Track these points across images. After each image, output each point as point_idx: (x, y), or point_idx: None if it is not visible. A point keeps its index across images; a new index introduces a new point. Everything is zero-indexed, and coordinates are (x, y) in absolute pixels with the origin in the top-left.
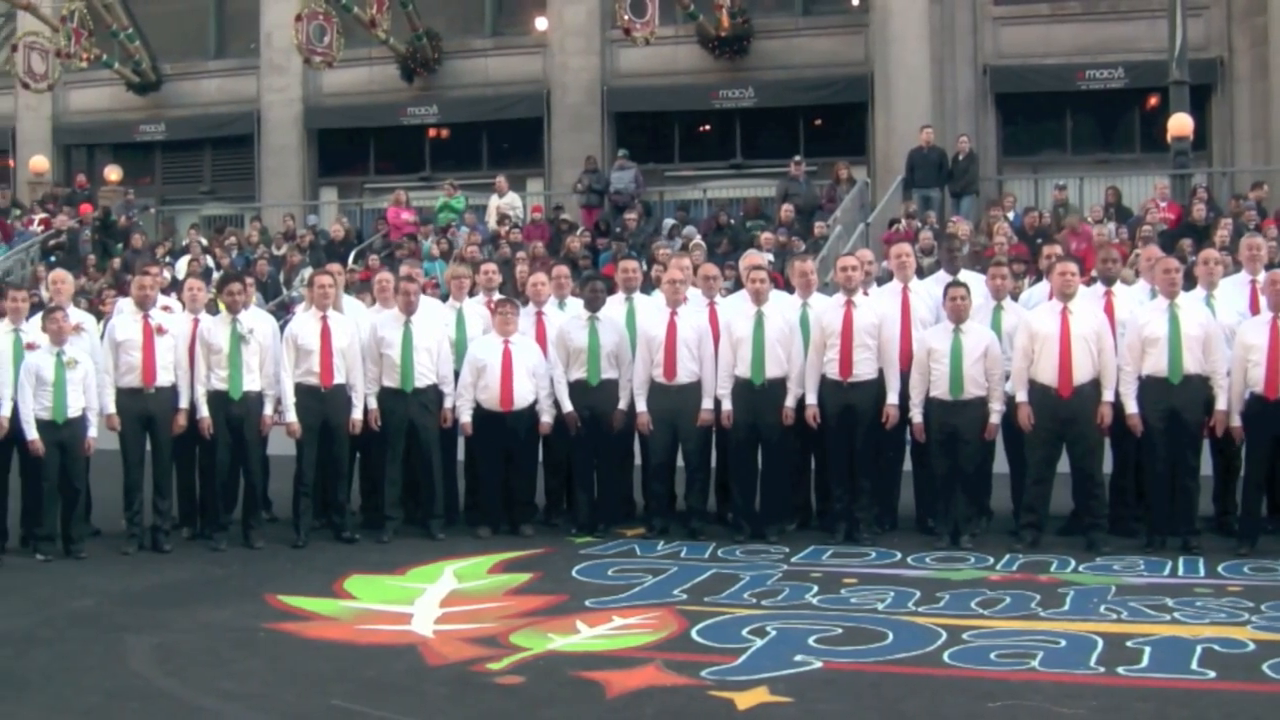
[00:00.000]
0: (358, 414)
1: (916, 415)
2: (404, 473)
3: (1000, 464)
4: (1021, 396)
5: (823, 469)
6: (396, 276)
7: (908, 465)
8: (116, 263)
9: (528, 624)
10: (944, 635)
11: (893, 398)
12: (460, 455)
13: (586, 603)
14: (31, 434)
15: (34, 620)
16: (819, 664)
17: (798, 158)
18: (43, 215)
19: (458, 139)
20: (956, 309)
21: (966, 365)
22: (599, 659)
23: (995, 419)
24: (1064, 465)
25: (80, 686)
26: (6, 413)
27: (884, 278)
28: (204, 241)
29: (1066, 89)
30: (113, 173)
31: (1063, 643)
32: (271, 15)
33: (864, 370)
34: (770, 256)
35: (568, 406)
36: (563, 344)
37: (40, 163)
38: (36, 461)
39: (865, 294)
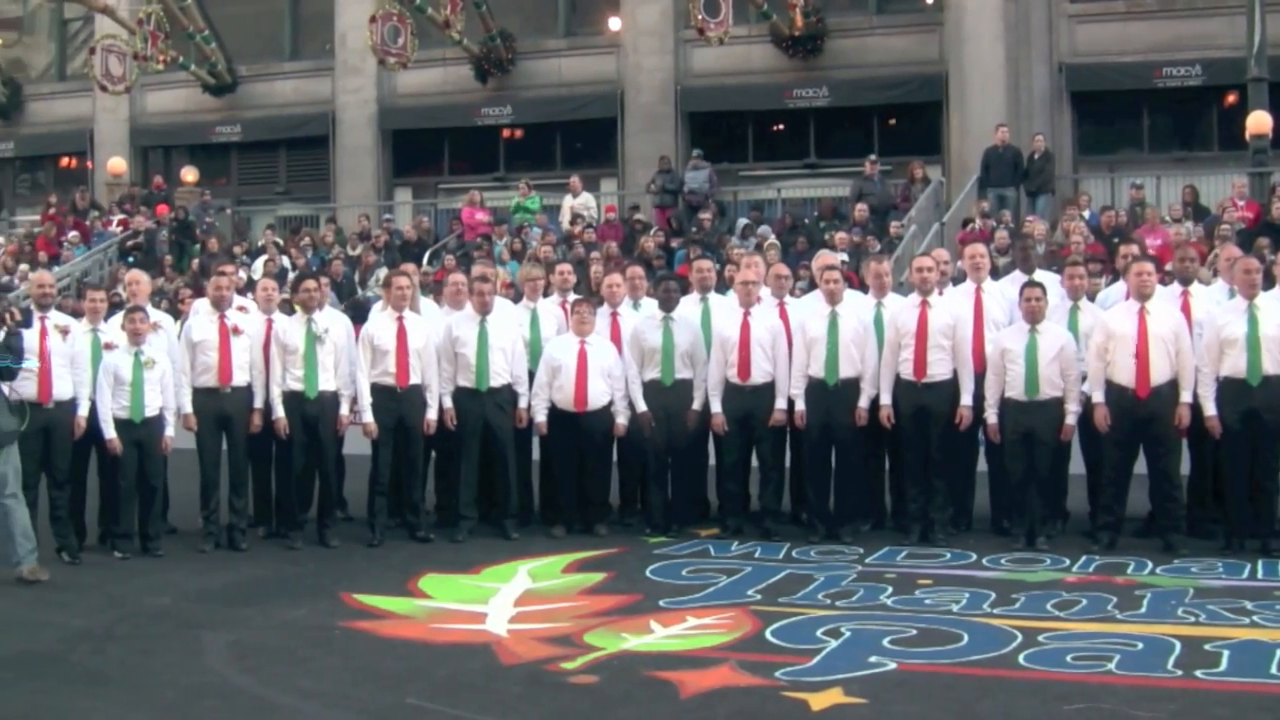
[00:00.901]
0: (433, 414)
1: (991, 416)
2: (479, 472)
3: (1076, 465)
4: (1098, 397)
5: (897, 469)
6: (471, 277)
7: (982, 466)
8: (195, 264)
9: (602, 624)
10: (1019, 637)
11: (966, 399)
12: (535, 455)
13: (660, 603)
14: (109, 433)
15: (112, 617)
16: (893, 665)
17: (872, 157)
18: (120, 216)
19: (532, 139)
20: (1032, 309)
21: (1042, 366)
22: (673, 659)
23: (1071, 420)
24: (1141, 466)
25: (157, 683)
26: (85, 412)
27: (959, 278)
28: (279, 242)
29: (1143, 87)
30: (189, 174)
31: (1140, 645)
32: (346, 17)
33: (939, 371)
34: (844, 256)
35: (642, 406)
36: (637, 344)
37: (118, 164)
38: (114, 460)
39: (940, 294)
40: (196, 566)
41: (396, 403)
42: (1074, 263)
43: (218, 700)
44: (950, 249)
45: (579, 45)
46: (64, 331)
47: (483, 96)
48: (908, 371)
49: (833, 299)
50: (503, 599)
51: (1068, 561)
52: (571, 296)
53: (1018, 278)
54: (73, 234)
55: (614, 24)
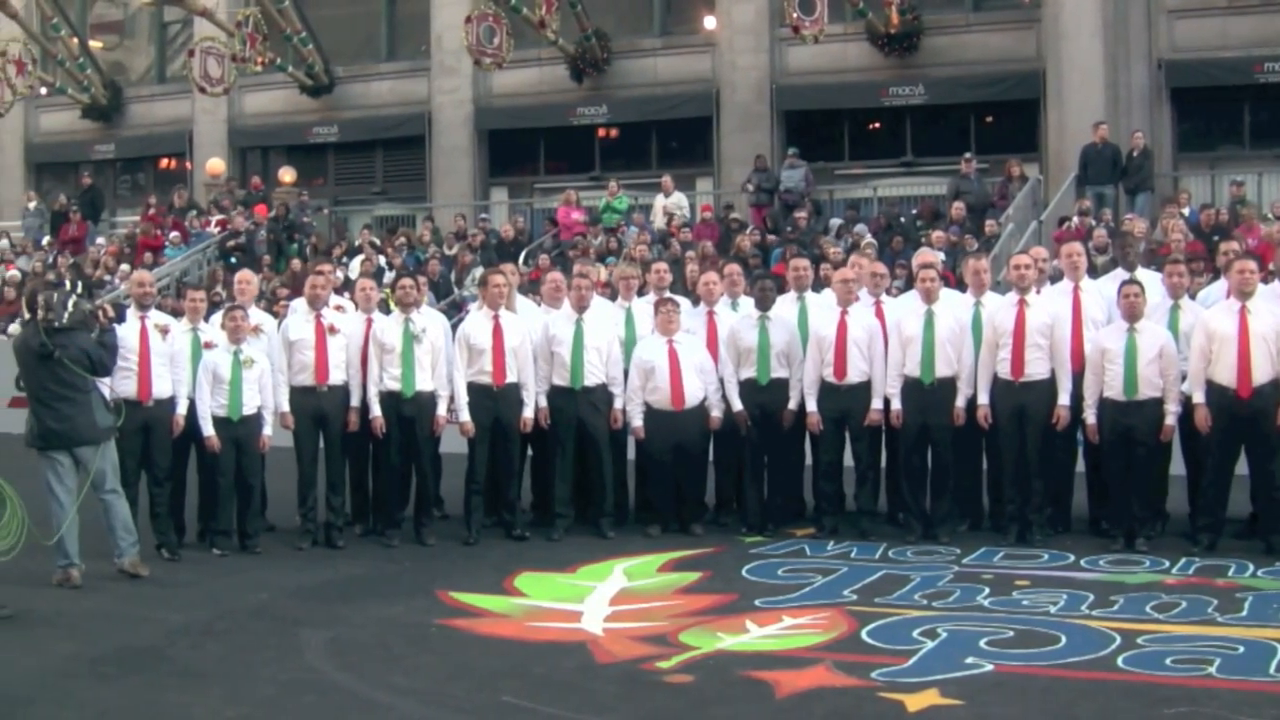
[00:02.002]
0: (529, 412)
1: (1090, 416)
2: (574, 471)
3: (1176, 465)
4: (1199, 397)
5: (994, 469)
6: (567, 275)
7: (1081, 466)
8: (296, 264)
9: (697, 623)
10: (1118, 639)
11: (1064, 398)
12: (631, 454)
13: (756, 602)
14: (208, 431)
15: (211, 613)
16: (990, 667)
17: (969, 155)
18: (219, 216)
19: (627, 138)
20: (1131, 307)
21: (1141, 365)
22: (768, 659)
23: (1171, 420)
24: (1242, 467)
25: (256, 678)
26: (184, 410)
27: (1056, 276)
28: (376, 242)
29: (1243, 82)
30: (287, 174)
31: (1241, 649)
32: (442, 17)
33: (1036, 370)
34: (942, 255)
35: (738, 405)
36: (733, 343)
37: (216, 165)
38: (213, 458)
39: (1038, 293)
40: (294, 564)
41: (493, 401)
42: (1174, 261)
43: (315, 696)
44: (1048, 247)
45: (674, 44)
46: (164, 331)
47: (578, 96)
48: (1005, 371)
49: (929, 297)
50: (598, 597)
51: (1167, 563)
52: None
53: (1117, 276)
54: (173, 234)
55: (709, 23)
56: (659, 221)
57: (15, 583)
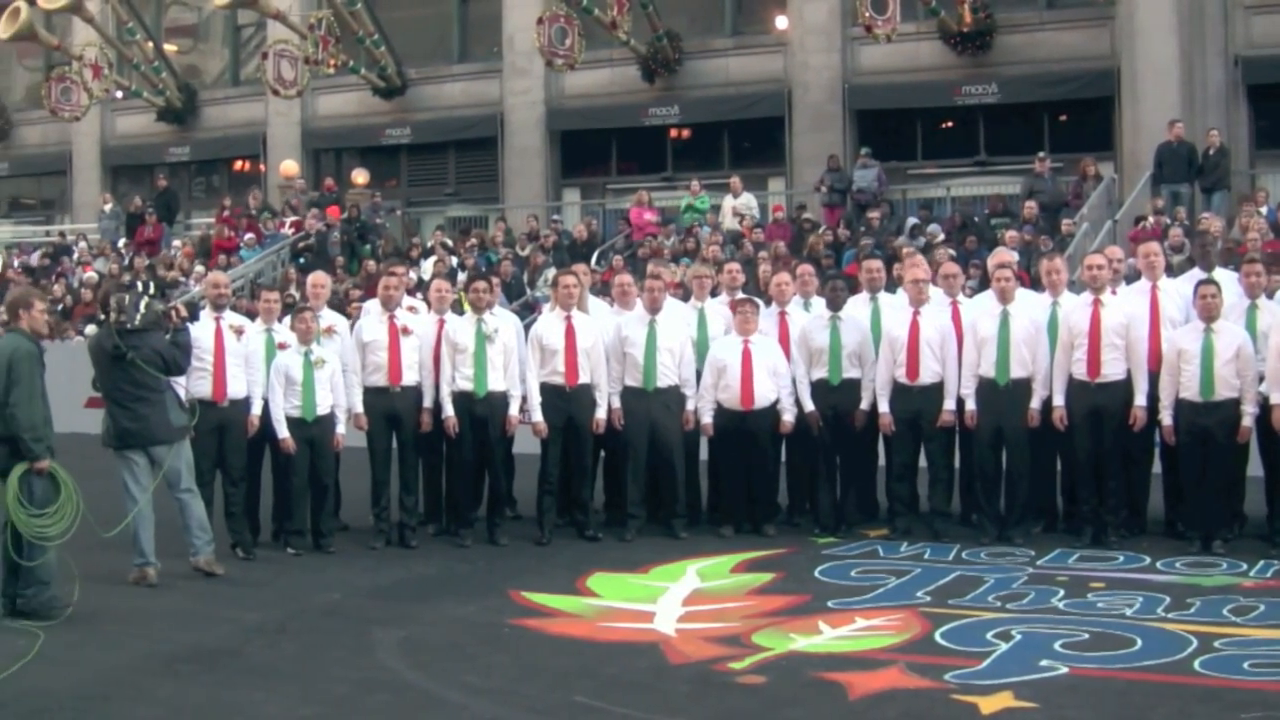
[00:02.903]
0: (601, 413)
1: (1166, 417)
2: (647, 472)
3: (1254, 467)
4: (1276, 398)
5: (1069, 470)
6: (639, 276)
7: (1157, 468)
8: (369, 265)
9: (770, 624)
10: (1195, 643)
11: (1140, 399)
12: (703, 455)
13: (829, 603)
14: (282, 432)
15: (285, 612)
16: (1065, 670)
17: (1043, 154)
18: (293, 218)
19: (699, 139)
20: (1208, 307)
21: (1218, 366)
22: (841, 660)
23: (1248, 421)
24: None
25: (329, 677)
26: (258, 410)
27: (1132, 276)
28: (449, 243)
29: None
30: (360, 176)
31: None
32: (514, 19)
33: (1112, 371)
34: (1015, 255)
35: (810, 406)
36: (805, 343)
37: (290, 167)
38: (287, 458)
39: (1113, 293)
40: (368, 563)
41: (565, 402)
42: (1251, 260)
43: (388, 695)
44: (1122, 247)
45: (746, 44)
46: (238, 331)
47: (650, 96)
48: (1081, 371)
49: (1004, 298)
50: (671, 598)
51: (1245, 566)
52: (739, 296)
53: (1193, 276)
54: (247, 236)
55: (781, 23)
56: (728, 222)
57: (93, 581)
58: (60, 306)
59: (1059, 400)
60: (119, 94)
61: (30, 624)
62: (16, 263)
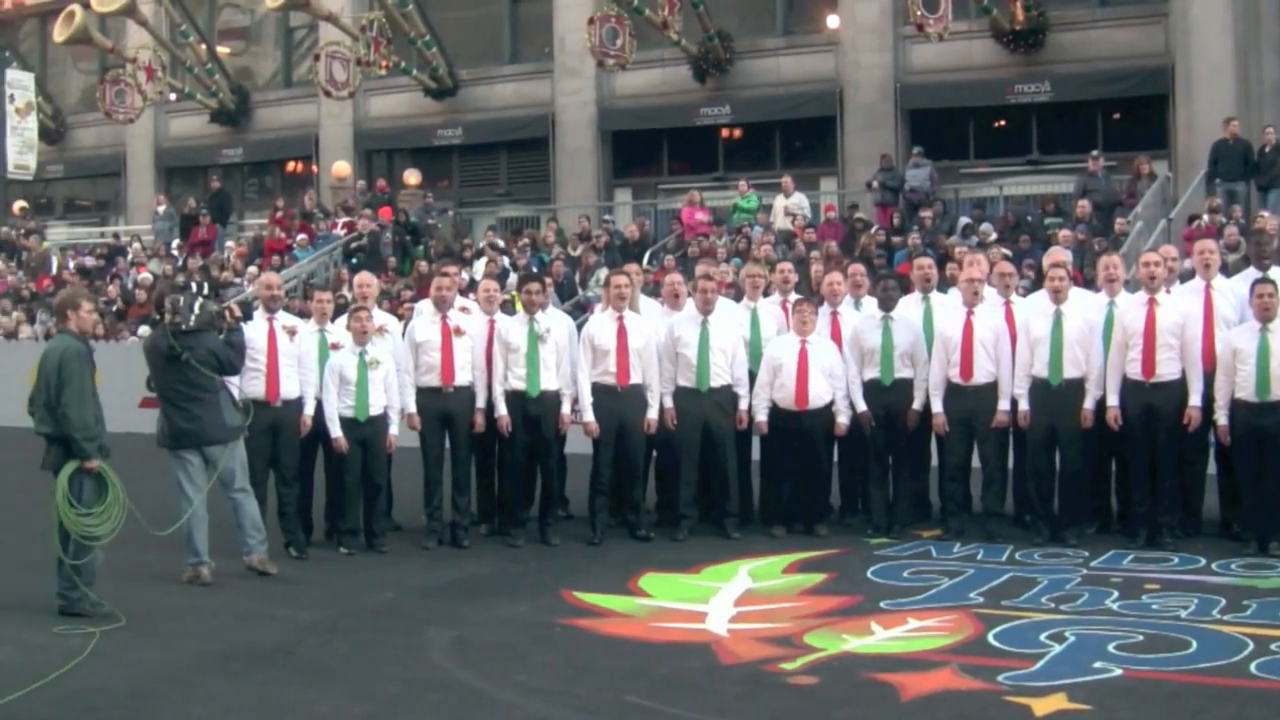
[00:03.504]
0: (653, 413)
1: (1222, 417)
2: (699, 472)
3: None
4: None
5: (1123, 471)
6: (690, 277)
7: (1212, 468)
8: (422, 265)
9: (822, 624)
10: (1250, 645)
11: (1195, 399)
12: (756, 455)
13: (881, 604)
14: (335, 431)
15: (337, 611)
16: (1119, 671)
17: (1096, 152)
18: (345, 219)
19: (750, 138)
20: (1264, 307)
21: (1274, 366)
22: (894, 661)
23: None
24: None
25: (382, 676)
26: (311, 411)
27: (1186, 275)
28: (499, 243)
29: None
30: (412, 176)
31: None
32: (565, 19)
33: (1167, 370)
34: (1070, 254)
35: (862, 406)
36: (857, 343)
37: (342, 168)
38: (340, 458)
39: (1168, 292)
40: (420, 563)
41: (617, 402)
42: None
43: (440, 694)
44: (1177, 246)
45: (797, 44)
46: (291, 332)
47: (701, 96)
48: (1135, 371)
49: (1058, 297)
50: (723, 598)
51: None
52: (793, 296)
53: (1249, 275)
54: (300, 237)
55: (832, 22)
56: (779, 222)
57: (148, 580)
58: (114, 308)
59: (1113, 400)
60: (173, 96)
61: (85, 623)
62: (71, 264)
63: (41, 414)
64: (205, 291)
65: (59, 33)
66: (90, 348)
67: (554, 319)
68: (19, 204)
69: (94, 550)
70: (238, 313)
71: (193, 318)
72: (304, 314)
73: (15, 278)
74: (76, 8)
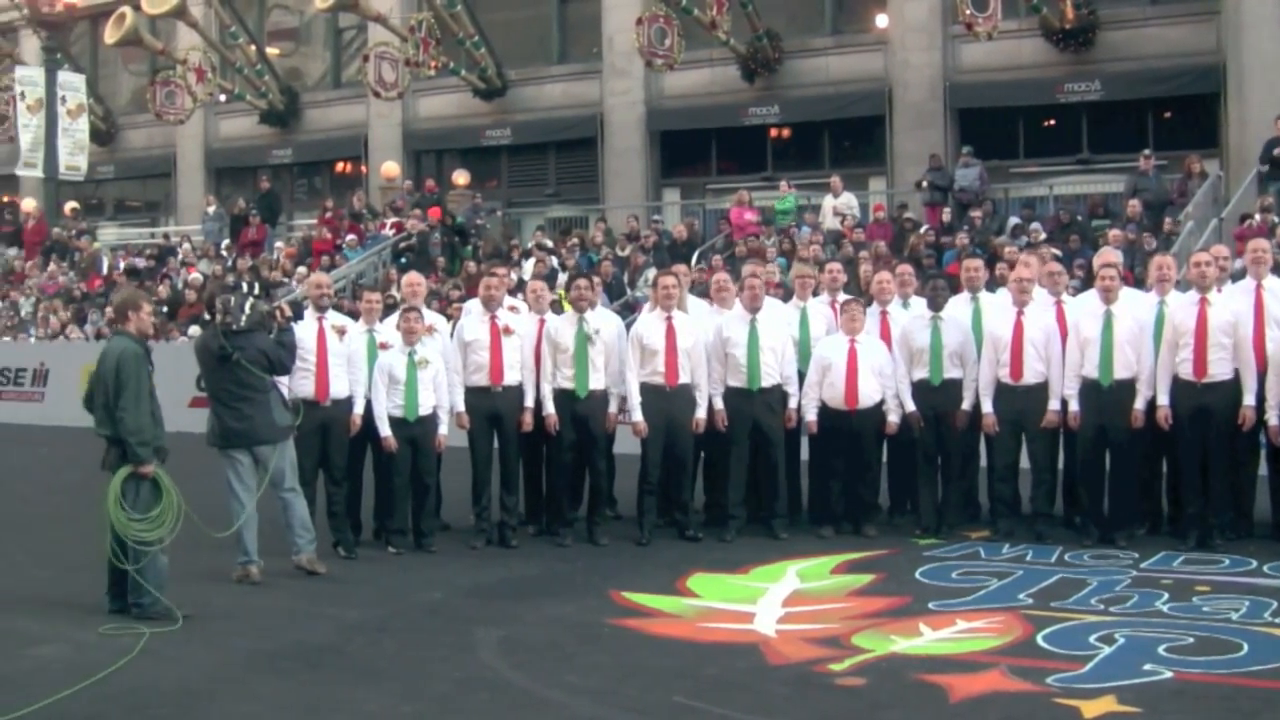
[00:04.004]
0: (701, 413)
1: (1274, 418)
2: (747, 472)
3: None
4: None
5: (1174, 472)
6: (738, 276)
7: (1263, 469)
8: (471, 266)
9: (870, 625)
10: None
11: (1249, 399)
12: (804, 455)
13: (930, 605)
14: (385, 431)
15: (386, 611)
16: (1169, 674)
17: (1147, 151)
18: (394, 219)
19: (799, 138)
20: None
21: None
22: (942, 662)
23: None
24: None
25: (430, 675)
26: (360, 410)
27: (1238, 275)
28: (547, 243)
29: None
30: (460, 177)
31: None
32: (613, 20)
33: (1219, 370)
34: (1120, 254)
35: (910, 406)
36: (906, 343)
37: (391, 168)
38: (389, 457)
39: (1219, 291)
40: (468, 563)
41: (665, 402)
42: None
43: (488, 694)
44: (1229, 245)
45: (846, 43)
46: (341, 332)
47: (750, 96)
48: (1187, 371)
49: (1108, 297)
50: (771, 599)
51: None
52: (841, 296)
53: None
54: (349, 237)
55: (881, 21)
56: (828, 222)
57: (196, 579)
58: (165, 308)
59: (1164, 400)
60: (222, 97)
61: (135, 622)
62: (122, 264)
63: (100, 415)
64: (256, 291)
65: (110, 35)
66: (148, 349)
67: (603, 318)
68: (70, 205)
69: (154, 554)
70: (289, 312)
71: (244, 317)
72: (353, 314)
73: (66, 278)
74: (127, 10)
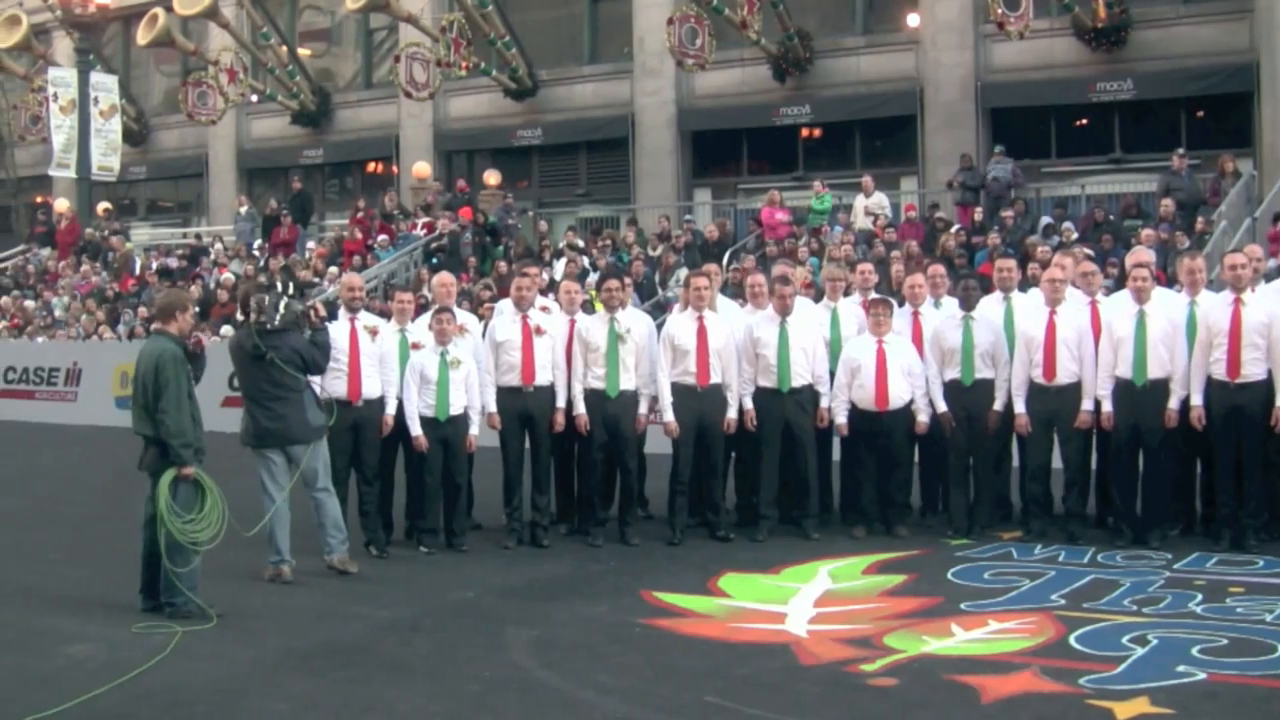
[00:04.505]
0: (733, 413)
1: None
2: (779, 472)
3: None
4: None
5: (1208, 473)
6: (770, 277)
7: None
8: (502, 266)
9: (902, 626)
10: None
11: None
12: (836, 455)
13: (962, 605)
14: (416, 431)
15: (418, 610)
16: (1203, 676)
17: (1180, 150)
18: (425, 219)
19: (830, 138)
20: None
21: None
22: (974, 663)
23: None
24: None
25: (462, 674)
26: (392, 410)
27: (1271, 274)
28: (579, 244)
29: None
30: (492, 177)
31: None
32: (644, 20)
33: (1253, 371)
34: (1153, 254)
35: (942, 407)
36: (938, 343)
37: (422, 168)
38: (421, 457)
39: (1253, 291)
40: (500, 562)
41: (697, 402)
42: None
43: (519, 693)
44: (1262, 245)
45: (877, 43)
46: (373, 332)
47: (781, 96)
48: (1220, 372)
49: (1141, 297)
50: (803, 599)
51: None
52: (871, 296)
53: None
54: (381, 237)
55: (912, 20)
56: (859, 222)
57: (229, 578)
58: (197, 308)
59: (1197, 400)
60: (254, 98)
61: (168, 620)
62: (154, 265)
63: (138, 414)
64: (291, 291)
65: (142, 35)
66: (188, 350)
67: (634, 318)
68: (103, 205)
69: (194, 555)
70: (322, 312)
71: (278, 317)
72: (385, 314)
73: (99, 278)
74: (159, 11)
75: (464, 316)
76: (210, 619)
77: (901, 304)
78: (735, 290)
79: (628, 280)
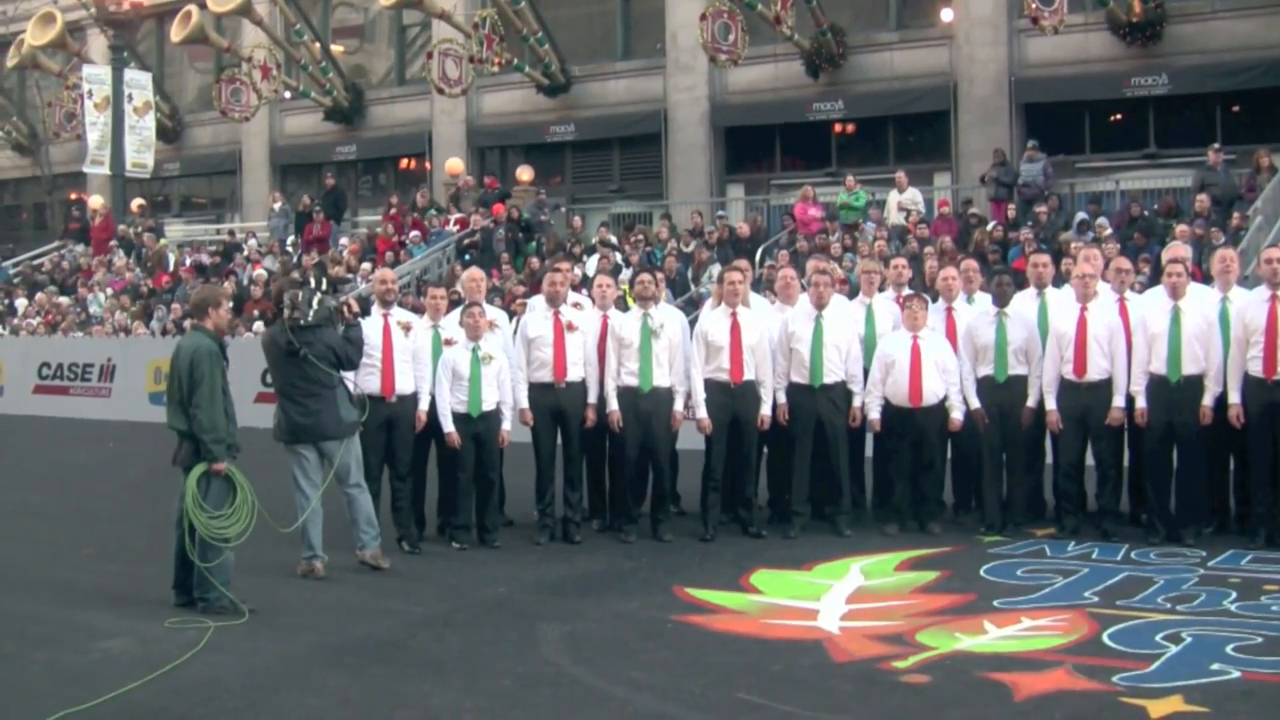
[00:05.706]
0: (766, 409)
1: None
2: (811, 468)
3: None
4: None
5: (1242, 469)
6: (803, 273)
7: None
8: (534, 262)
9: (935, 623)
10: None
11: None
12: (868, 451)
13: (995, 603)
14: (449, 427)
15: (450, 606)
16: (1237, 674)
17: (1215, 145)
18: (458, 215)
19: (864, 133)
20: None
21: None
22: (1007, 660)
23: None
24: None
25: (494, 670)
26: (425, 406)
27: None
28: (613, 239)
29: None
30: (524, 173)
31: None
32: (677, 15)
33: None
34: (1189, 249)
35: (975, 403)
36: (971, 340)
37: (455, 165)
38: (453, 453)
39: None
40: (532, 558)
41: (730, 398)
42: None
43: (552, 689)
44: None
45: (910, 38)
46: (406, 328)
47: (814, 91)
48: (1257, 369)
49: (1176, 293)
50: (835, 596)
51: None
52: (905, 291)
53: None
54: (413, 233)
55: (946, 15)
56: (893, 217)
57: (262, 574)
58: (231, 303)
59: (1235, 398)
60: (287, 94)
61: (202, 617)
62: (188, 261)
63: (173, 409)
64: (324, 287)
65: (176, 33)
66: (224, 346)
67: (667, 314)
68: (137, 202)
69: (224, 551)
70: (356, 308)
71: (311, 313)
72: (418, 310)
73: (133, 274)
74: (193, 8)
75: (493, 312)
76: (243, 614)
77: (935, 299)
78: (768, 286)
79: (660, 275)
